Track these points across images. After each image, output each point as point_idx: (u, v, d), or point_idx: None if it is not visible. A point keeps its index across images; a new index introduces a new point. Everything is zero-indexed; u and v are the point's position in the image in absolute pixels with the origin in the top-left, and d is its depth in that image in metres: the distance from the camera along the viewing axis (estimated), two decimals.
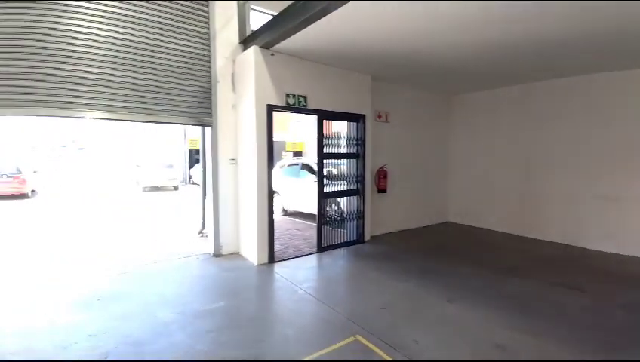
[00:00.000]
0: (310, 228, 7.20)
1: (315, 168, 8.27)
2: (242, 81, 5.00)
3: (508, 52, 4.55)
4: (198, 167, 17.80)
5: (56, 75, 3.90)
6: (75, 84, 4.02)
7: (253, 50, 4.64)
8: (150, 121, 4.78)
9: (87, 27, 4.05)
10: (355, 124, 5.91)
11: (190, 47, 4.81)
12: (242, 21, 5.19)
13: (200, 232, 6.77)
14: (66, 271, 4.60)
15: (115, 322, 3.15)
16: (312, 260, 5.14)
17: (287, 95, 4.94)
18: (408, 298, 3.71)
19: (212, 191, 5.17)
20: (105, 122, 18.21)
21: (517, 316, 3.27)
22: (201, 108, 4.96)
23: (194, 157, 21.16)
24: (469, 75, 5.90)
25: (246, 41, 5.04)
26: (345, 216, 5.95)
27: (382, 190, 6.38)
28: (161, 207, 11.14)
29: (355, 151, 5.97)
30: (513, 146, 6.66)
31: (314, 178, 8.01)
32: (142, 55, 4.42)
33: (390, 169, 6.47)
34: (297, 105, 5.05)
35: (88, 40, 4.07)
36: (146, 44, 4.44)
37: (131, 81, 4.37)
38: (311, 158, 11.12)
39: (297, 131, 22.59)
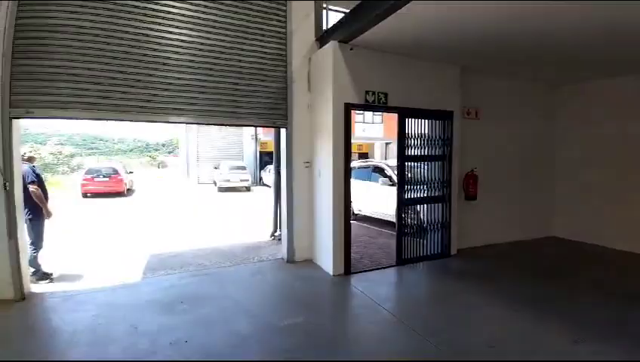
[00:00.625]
0: (382, 236, 6.70)
1: (389, 171, 7.76)
2: (319, 79, 4.74)
3: None
4: (269, 168, 18.45)
5: (148, 81, 4.05)
6: (166, 90, 4.15)
7: (331, 46, 4.34)
8: (230, 124, 4.81)
9: (173, 32, 4.15)
10: (440, 122, 5.25)
11: (267, 47, 4.69)
12: (319, 18, 4.94)
13: (272, 235, 6.73)
14: (151, 267, 4.82)
15: (196, 329, 3.07)
16: (392, 274, 4.65)
17: (367, 92, 4.54)
18: (520, 334, 3.02)
19: (286, 194, 5.00)
20: (188, 126, 20.03)
21: None
22: (276, 110, 4.82)
23: (264, 159, 22.04)
24: (593, 61, 4.82)
25: (323, 37, 4.76)
26: (427, 225, 5.31)
27: (471, 197, 5.59)
28: (236, 207, 11.62)
29: (439, 153, 5.31)
30: None
31: (387, 181, 7.49)
32: (222, 59, 4.42)
33: (481, 173, 5.64)
34: (377, 103, 4.61)
35: (175, 45, 4.17)
36: (226, 47, 4.43)
37: (213, 85, 4.39)
38: (382, 160, 10.55)
39: (363, 132, 22.10)
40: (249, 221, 8.83)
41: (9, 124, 3.45)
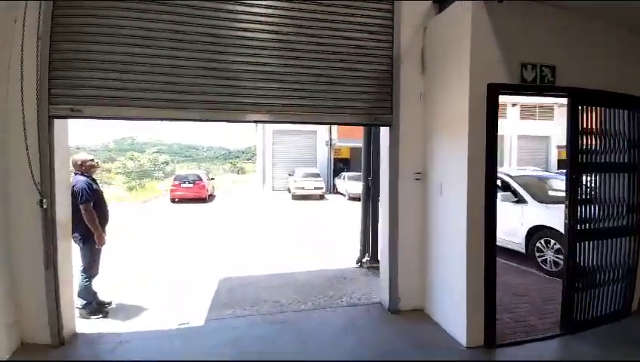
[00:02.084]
0: (510, 272, 4.87)
1: (513, 183, 5.83)
2: (440, 55, 3.30)
3: None
4: (344, 175, 17.28)
5: (223, 71, 3.13)
6: (241, 81, 3.17)
7: (465, 3, 2.88)
8: (317, 122, 3.68)
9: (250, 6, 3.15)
10: (630, 113, 3.37)
11: (365, 16, 3.41)
12: None
13: (359, 262, 5.40)
14: (219, 300, 3.88)
15: None
16: (564, 353, 2.92)
17: (523, 66, 2.94)
18: None
19: (388, 216, 3.61)
20: (265, 132, 20.08)
21: None
22: (377, 102, 3.49)
23: (337, 165, 21.02)
24: None
25: None
26: (602, 269, 3.41)
27: None
28: (311, 218, 10.62)
29: (625, 160, 3.42)
30: None
31: (509, 197, 5.57)
32: (306, 35, 3.27)
33: None
34: (539, 82, 2.98)
35: (251, 22, 3.16)
36: (311, 20, 3.27)
37: (295, 72, 3.26)
38: (500, 169, 8.48)
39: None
40: (327, 236, 7.66)
41: (48, 124, 2.75)
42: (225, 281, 4.65)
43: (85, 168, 3.56)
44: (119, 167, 21.06)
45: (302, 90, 3.31)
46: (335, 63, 3.35)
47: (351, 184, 16.73)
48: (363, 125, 3.57)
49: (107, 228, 3.62)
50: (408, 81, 3.50)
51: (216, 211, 12.62)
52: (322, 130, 20.55)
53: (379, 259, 5.26)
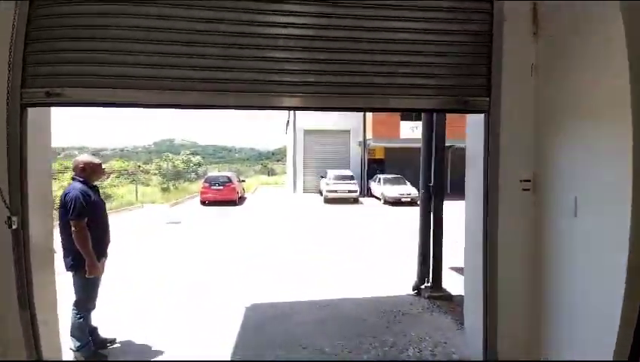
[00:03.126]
0: None
1: None
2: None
3: None
4: (379, 178, 16.11)
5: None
6: (272, 52, 2.29)
7: None
8: (372, 108, 2.75)
9: None
10: None
11: None
12: None
13: (416, 288, 4.36)
14: (245, 338, 3.02)
15: None
16: None
17: None
18: None
19: (477, 237, 2.57)
20: (297, 132, 19.33)
21: None
22: (464, 79, 2.47)
23: (371, 166, 19.87)
24: None
25: None
26: None
27: None
28: (347, 225, 9.64)
29: None
30: None
31: None
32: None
33: None
34: None
35: None
36: None
37: (344, 45, 2.33)
38: None
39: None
40: (369, 247, 6.66)
41: (20, 115, 2.00)
42: (253, 310, 3.80)
43: (87, 173, 2.83)
44: (154, 169, 21.22)
45: (356, 64, 2.36)
46: (404, 24, 2.37)
47: (387, 187, 15.59)
48: (445, 111, 2.56)
49: (109, 250, 2.87)
50: (513, 49, 2.45)
51: (245, 215, 11.96)
52: (356, 130, 19.55)
53: (444, 287, 4.27)
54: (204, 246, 7.09)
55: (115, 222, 9.95)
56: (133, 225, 9.48)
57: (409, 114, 17.40)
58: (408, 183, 16.08)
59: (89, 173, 2.85)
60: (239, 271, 5.24)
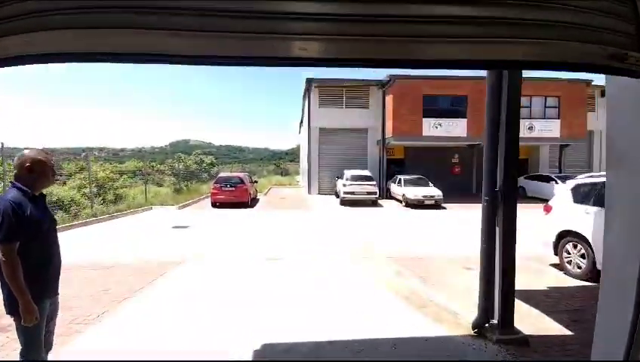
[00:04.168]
0: None
1: None
2: None
3: None
4: (399, 178, 14.93)
5: None
6: None
7: None
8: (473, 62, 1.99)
9: None
10: None
11: None
12: None
13: (478, 327, 3.33)
14: None
15: None
16: None
17: None
18: None
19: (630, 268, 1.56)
20: (312, 133, 18.28)
21: None
22: (605, 19, 1.46)
23: (391, 166, 18.76)
24: None
25: None
26: None
27: None
28: (369, 231, 8.62)
29: None
30: None
31: None
32: None
33: None
34: None
35: None
36: None
37: None
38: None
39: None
40: (401, 261, 5.65)
41: None
42: (263, 351, 2.88)
43: (34, 176, 1.97)
44: (168, 169, 20.76)
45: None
46: None
47: (409, 188, 14.49)
48: (587, 69, 1.45)
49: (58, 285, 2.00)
50: None
51: (257, 220, 11.10)
52: (373, 128, 18.52)
53: (515, 326, 3.24)
54: (209, 260, 6.23)
55: (116, 227, 9.10)
56: (139, 229, 8.74)
57: (433, 109, 16.31)
58: (431, 184, 15.01)
59: (37, 175, 1.99)
60: (250, 291, 4.34)
